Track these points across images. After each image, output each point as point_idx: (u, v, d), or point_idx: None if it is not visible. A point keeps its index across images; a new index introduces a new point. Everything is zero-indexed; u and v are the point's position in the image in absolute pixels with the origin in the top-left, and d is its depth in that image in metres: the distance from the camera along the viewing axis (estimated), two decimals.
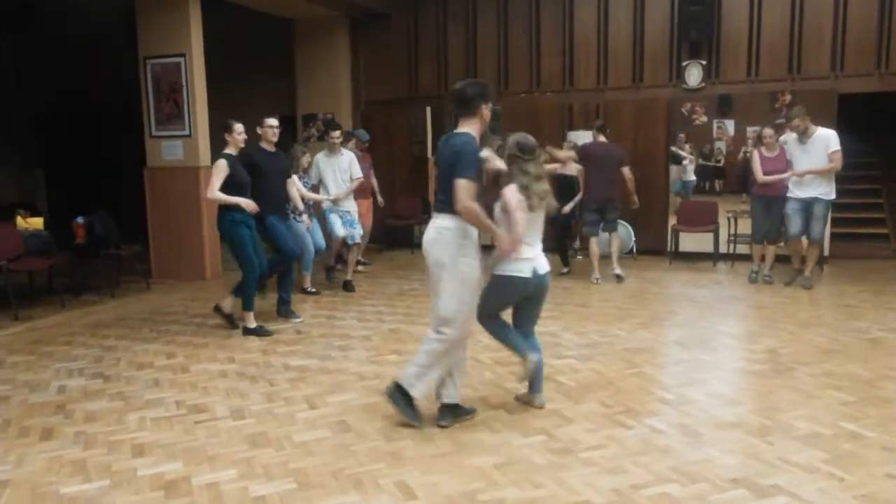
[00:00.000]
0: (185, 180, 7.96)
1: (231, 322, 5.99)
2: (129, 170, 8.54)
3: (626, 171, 7.67)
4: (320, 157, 7.53)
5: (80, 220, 7.59)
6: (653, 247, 9.17)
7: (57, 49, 11.16)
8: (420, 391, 3.84)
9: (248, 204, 5.61)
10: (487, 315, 3.97)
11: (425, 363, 3.78)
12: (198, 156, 7.97)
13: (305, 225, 6.99)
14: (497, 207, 3.86)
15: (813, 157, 6.93)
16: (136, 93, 8.21)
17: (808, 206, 7.03)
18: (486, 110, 3.77)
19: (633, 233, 9.18)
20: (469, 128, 3.75)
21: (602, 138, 7.73)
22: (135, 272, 7.83)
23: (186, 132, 7.97)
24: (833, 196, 7.05)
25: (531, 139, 3.89)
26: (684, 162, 9.30)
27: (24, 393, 4.54)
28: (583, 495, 3.08)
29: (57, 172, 11.77)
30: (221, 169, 5.58)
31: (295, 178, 6.90)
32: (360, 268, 8.31)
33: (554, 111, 9.62)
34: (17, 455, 3.60)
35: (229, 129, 5.73)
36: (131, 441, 3.74)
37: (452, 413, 3.89)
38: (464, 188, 3.57)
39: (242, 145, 5.81)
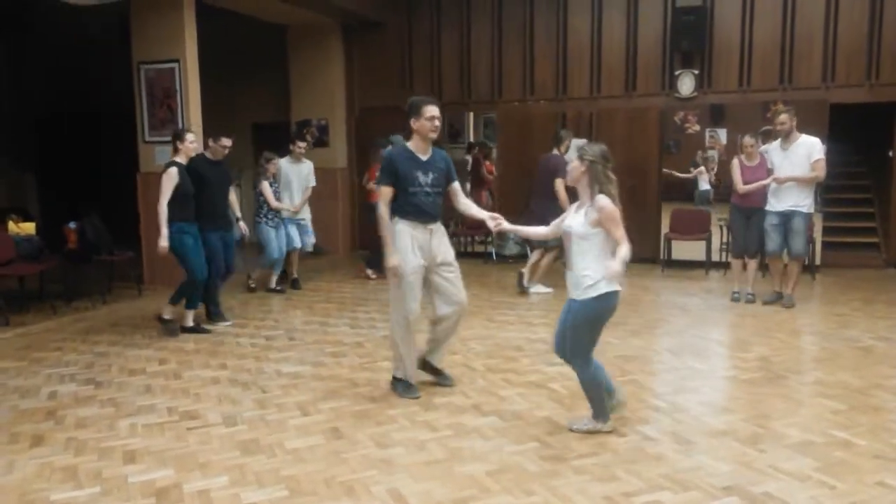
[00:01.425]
0: None
1: (171, 329, 6.09)
2: (127, 173, 8.50)
3: (558, 183, 6.95)
4: (283, 163, 7.90)
5: (72, 225, 7.57)
6: (645, 255, 9.19)
7: (53, 51, 11.13)
8: (402, 373, 4.43)
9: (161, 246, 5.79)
10: (585, 355, 3.76)
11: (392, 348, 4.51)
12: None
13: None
14: (583, 221, 3.63)
15: (795, 164, 6.52)
16: (132, 96, 8.20)
17: (786, 219, 6.63)
18: (414, 124, 4.26)
19: None
20: (409, 140, 4.36)
21: (555, 150, 7.48)
22: (127, 278, 7.79)
23: None
24: (812, 209, 6.76)
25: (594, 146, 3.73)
26: (695, 171, 9.36)
27: (15, 399, 4.52)
28: (575, 503, 3.08)
29: (51, 175, 11.72)
30: (173, 178, 5.74)
31: (265, 184, 7.48)
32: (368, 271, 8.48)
33: (547, 119, 9.65)
34: (7, 461, 3.58)
35: (181, 138, 5.88)
36: (122, 447, 3.72)
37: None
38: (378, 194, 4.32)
39: (193, 154, 5.98)
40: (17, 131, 11.61)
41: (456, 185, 4.49)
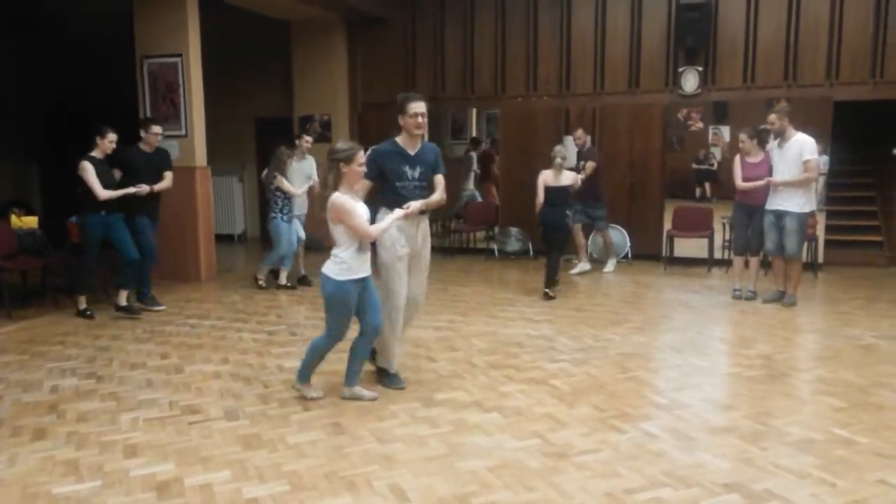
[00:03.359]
0: (181, 180, 7.88)
1: (132, 312, 6.50)
2: None
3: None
4: (292, 162, 7.71)
5: (74, 219, 7.56)
6: (648, 251, 9.19)
7: (60, 47, 11.12)
8: (387, 363, 4.60)
9: (139, 189, 6.35)
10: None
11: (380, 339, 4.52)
12: (194, 156, 7.96)
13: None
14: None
15: (788, 163, 6.48)
16: (135, 93, 8.20)
17: (780, 219, 6.59)
18: (401, 121, 4.33)
19: (627, 237, 9.21)
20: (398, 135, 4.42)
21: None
22: None
23: (183, 132, 7.96)
24: (808, 209, 6.61)
25: (341, 144, 4.10)
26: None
27: (17, 392, 4.53)
28: (576, 499, 3.08)
29: (55, 170, 11.70)
30: (88, 168, 6.10)
31: (282, 179, 7.39)
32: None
33: (550, 115, 9.65)
34: (9, 455, 3.59)
35: (102, 135, 6.20)
36: (124, 441, 3.73)
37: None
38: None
39: (109, 152, 6.28)
40: (22, 127, 11.60)
41: (438, 177, 4.52)
